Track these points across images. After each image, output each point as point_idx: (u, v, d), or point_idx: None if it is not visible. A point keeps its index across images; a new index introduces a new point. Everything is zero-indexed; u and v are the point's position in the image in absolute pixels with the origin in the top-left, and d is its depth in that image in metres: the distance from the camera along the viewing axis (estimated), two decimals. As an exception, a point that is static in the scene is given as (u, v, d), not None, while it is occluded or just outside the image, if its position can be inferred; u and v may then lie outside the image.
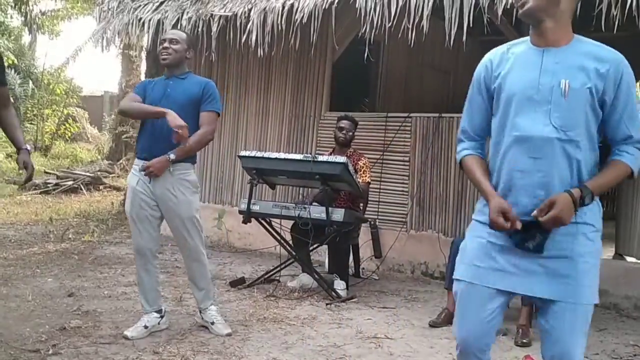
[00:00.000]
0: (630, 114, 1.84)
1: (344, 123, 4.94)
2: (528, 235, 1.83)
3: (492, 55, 2.00)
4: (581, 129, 1.82)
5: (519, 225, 1.82)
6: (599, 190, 1.85)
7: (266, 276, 4.76)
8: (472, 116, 2.04)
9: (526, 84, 1.86)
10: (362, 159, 4.90)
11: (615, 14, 3.88)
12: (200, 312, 3.56)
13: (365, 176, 4.81)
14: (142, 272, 3.43)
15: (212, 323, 3.48)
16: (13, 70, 14.67)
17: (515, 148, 1.87)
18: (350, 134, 4.93)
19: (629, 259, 4.75)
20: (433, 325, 3.85)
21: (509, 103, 1.88)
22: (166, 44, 3.39)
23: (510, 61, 1.93)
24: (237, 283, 4.64)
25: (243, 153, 4.68)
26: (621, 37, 6.17)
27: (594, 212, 1.89)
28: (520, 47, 1.95)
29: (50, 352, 3.07)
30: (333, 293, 4.41)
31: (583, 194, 1.80)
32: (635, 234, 4.65)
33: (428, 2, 4.47)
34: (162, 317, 3.48)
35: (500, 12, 4.30)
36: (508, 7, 4.20)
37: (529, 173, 1.84)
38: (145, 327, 3.37)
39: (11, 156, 12.28)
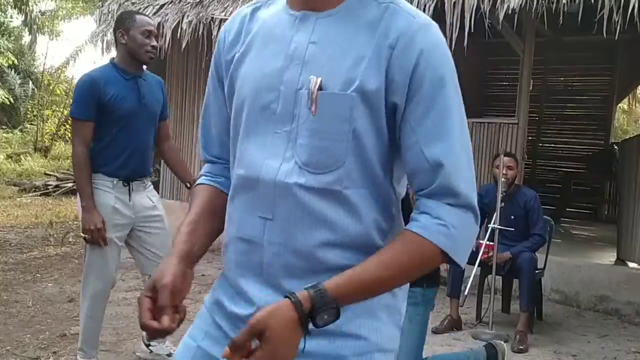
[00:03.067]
0: (436, 128, 0.95)
1: None
2: None
3: (230, 21, 1.13)
4: (350, 168, 0.97)
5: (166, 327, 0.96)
6: (355, 293, 0.92)
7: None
8: (206, 124, 1.18)
9: (263, 80, 1.02)
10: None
11: (617, 19, 3.86)
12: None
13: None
14: (100, 310, 2.88)
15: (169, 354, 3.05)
16: (13, 71, 14.70)
17: (240, 198, 1.04)
18: None
19: (631, 264, 4.74)
20: (435, 331, 3.84)
21: (239, 113, 1.05)
22: (154, 42, 2.77)
23: (251, 34, 1.07)
24: (238, 288, 4.62)
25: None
26: (623, 41, 6.19)
27: (380, 309, 1.02)
28: (272, 9, 1.08)
29: (51, 359, 3.07)
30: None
31: (314, 305, 0.88)
32: (637, 240, 4.64)
33: (429, 6, 4.46)
34: None
35: (501, 16, 4.29)
36: (509, 12, 4.20)
37: (257, 246, 1.01)
38: None
39: (11, 157, 12.28)
